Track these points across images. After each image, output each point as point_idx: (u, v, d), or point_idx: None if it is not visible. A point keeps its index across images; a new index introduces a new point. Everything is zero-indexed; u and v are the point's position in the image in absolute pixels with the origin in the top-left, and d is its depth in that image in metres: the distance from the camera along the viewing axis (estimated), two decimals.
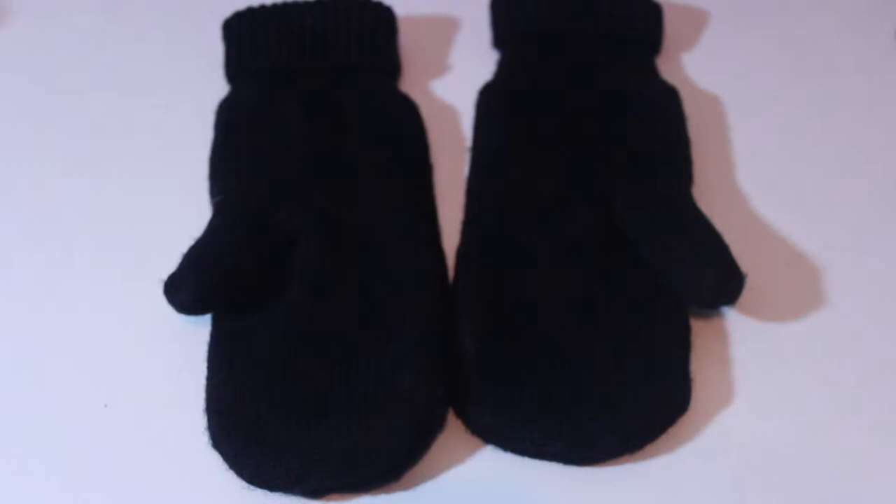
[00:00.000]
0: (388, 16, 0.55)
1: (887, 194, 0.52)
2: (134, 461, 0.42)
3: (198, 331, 0.45)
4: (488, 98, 0.54)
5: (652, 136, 0.51)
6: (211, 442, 0.41)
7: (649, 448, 0.42)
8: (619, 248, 0.47)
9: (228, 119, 0.52)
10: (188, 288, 0.44)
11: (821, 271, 0.48)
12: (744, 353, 0.45)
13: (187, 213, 0.49)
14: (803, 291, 0.48)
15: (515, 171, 0.51)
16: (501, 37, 0.58)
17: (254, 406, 0.41)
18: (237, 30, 0.55)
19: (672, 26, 0.59)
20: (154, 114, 0.55)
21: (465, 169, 0.52)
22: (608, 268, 0.46)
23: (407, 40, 0.57)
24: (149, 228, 0.49)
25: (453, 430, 0.42)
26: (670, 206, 0.48)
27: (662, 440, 0.42)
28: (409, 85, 0.56)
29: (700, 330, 0.46)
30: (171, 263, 0.45)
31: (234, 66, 0.55)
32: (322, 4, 0.55)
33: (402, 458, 0.40)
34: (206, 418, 0.42)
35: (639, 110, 0.52)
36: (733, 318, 0.47)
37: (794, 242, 0.49)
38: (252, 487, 0.40)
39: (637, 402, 0.42)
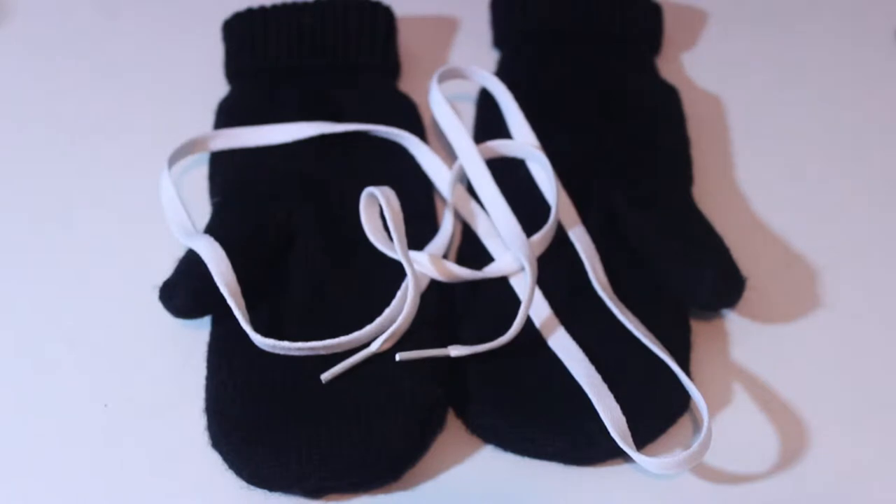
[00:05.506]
0: (387, 16, 0.55)
1: (887, 194, 0.52)
2: (134, 461, 0.42)
3: (198, 331, 0.45)
4: (488, 98, 0.54)
5: (652, 136, 0.51)
6: (211, 442, 0.41)
7: (649, 448, 0.42)
8: (618, 248, 0.47)
9: (228, 119, 0.52)
10: (182, 292, 0.44)
11: (821, 272, 0.48)
12: (744, 353, 0.45)
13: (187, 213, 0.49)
14: (803, 292, 0.48)
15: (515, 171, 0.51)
16: (501, 36, 0.57)
17: (253, 406, 0.41)
18: (237, 30, 0.55)
19: (672, 26, 0.59)
20: (154, 114, 0.55)
21: None
22: (608, 269, 0.46)
23: (407, 40, 0.57)
24: (149, 228, 0.49)
25: (453, 430, 0.42)
26: (670, 206, 0.48)
27: (662, 440, 0.42)
28: (409, 85, 0.56)
29: (700, 330, 0.46)
30: (171, 262, 0.45)
31: (234, 66, 0.55)
32: (321, 4, 0.55)
33: (402, 458, 0.40)
34: (206, 418, 0.42)
35: (639, 110, 0.52)
36: (733, 319, 0.46)
37: (794, 243, 0.49)
38: (252, 487, 0.40)
39: (637, 403, 0.42)
